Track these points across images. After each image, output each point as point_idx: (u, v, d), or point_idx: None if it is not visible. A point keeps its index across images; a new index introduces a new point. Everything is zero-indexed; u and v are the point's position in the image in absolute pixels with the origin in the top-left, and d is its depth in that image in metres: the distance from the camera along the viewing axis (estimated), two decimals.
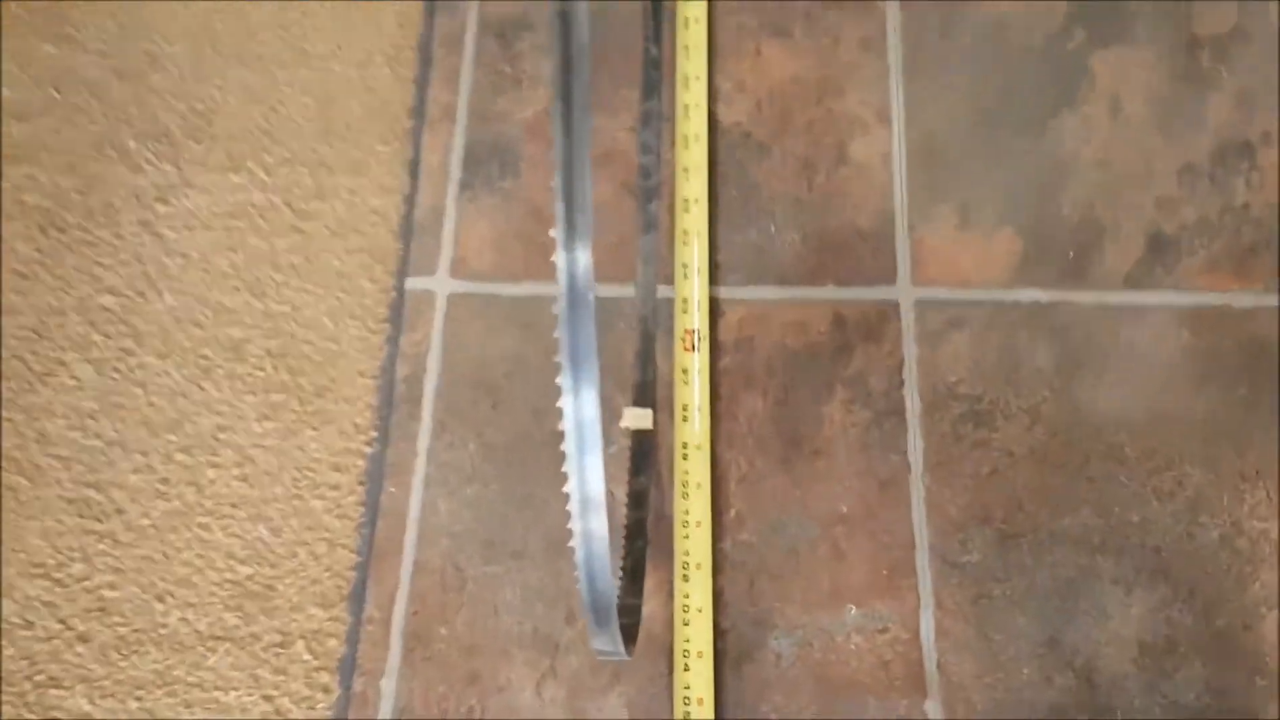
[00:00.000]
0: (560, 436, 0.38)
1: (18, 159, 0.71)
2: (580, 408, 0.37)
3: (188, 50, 0.75)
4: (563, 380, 0.37)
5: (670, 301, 0.67)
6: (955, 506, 0.64)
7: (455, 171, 0.73)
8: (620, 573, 0.61)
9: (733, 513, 0.64)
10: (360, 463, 0.65)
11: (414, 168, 0.73)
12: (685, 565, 0.62)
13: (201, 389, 0.66)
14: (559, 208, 0.34)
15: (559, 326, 0.36)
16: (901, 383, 0.66)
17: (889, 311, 0.67)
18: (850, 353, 0.67)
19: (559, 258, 0.35)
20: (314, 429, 0.66)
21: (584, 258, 0.34)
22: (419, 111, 0.74)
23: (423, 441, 0.66)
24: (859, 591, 0.62)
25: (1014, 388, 0.66)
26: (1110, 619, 0.61)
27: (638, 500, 0.63)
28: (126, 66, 0.74)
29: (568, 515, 0.39)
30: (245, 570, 0.63)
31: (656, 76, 0.73)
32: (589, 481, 0.38)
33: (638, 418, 0.65)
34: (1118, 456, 0.64)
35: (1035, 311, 0.67)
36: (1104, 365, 0.66)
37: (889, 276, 0.68)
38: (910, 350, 0.66)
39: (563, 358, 0.36)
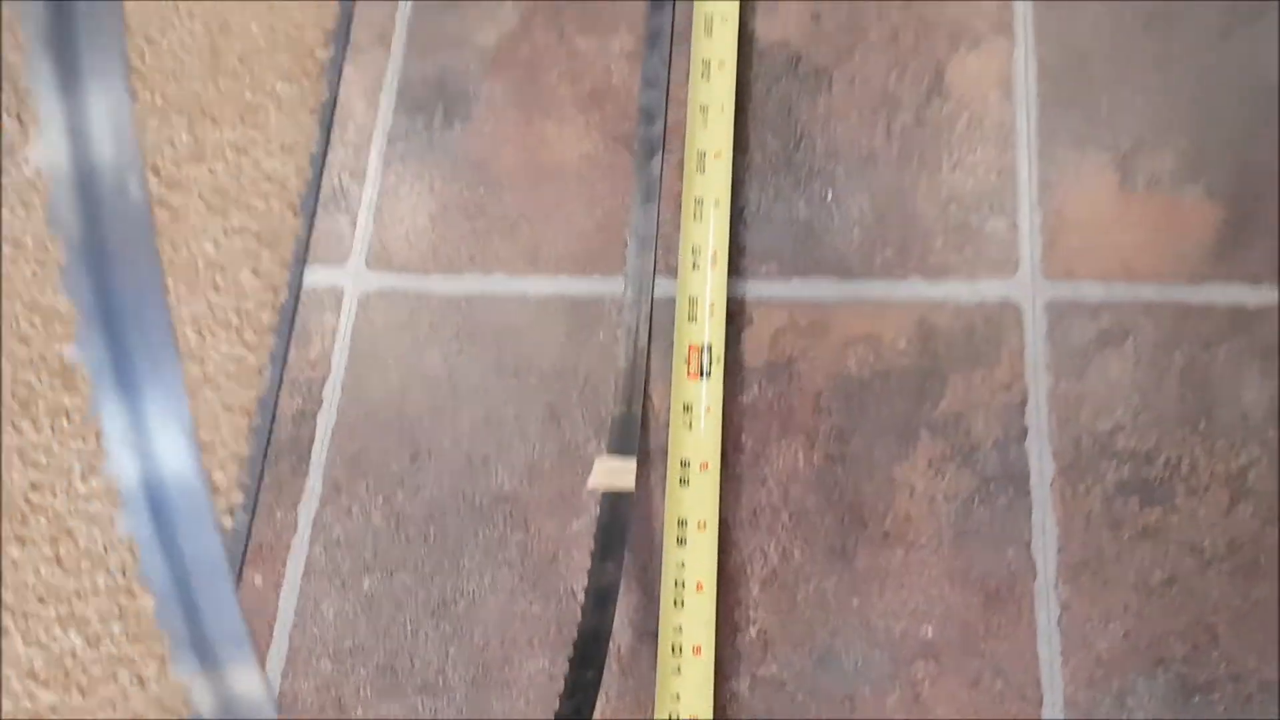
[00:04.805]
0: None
1: None
2: None
3: None
4: None
5: (672, 303, 0.45)
6: (1108, 637, 0.40)
7: (384, 119, 0.52)
8: None
9: (753, 632, 0.42)
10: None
11: (327, 115, 0.52)
12: (671, 719, 0.40)
13: (17, 429, 0.47)
14: None
15: None
16: (1024, 431, 0.42)
17: (1005, 319, 0.44)
18: (942, 383, 0.44)
19: None
20: None
21: None
22: (340, 36, 0.53)
23: (307, 509, 0.46)
24: None
25: (1206, 441, 0.42)
26: None
27: (600, 601, 0.41)
28: None
29: None
30: (46, 699, 0.44)
31: None
32: None
33: (613, 473, 0.44)
34: None
35: (1239, 320, 0.43)
36: None
37: (1006, 265, 0.44)
38: (1038, 380, 0.43)
39: None
